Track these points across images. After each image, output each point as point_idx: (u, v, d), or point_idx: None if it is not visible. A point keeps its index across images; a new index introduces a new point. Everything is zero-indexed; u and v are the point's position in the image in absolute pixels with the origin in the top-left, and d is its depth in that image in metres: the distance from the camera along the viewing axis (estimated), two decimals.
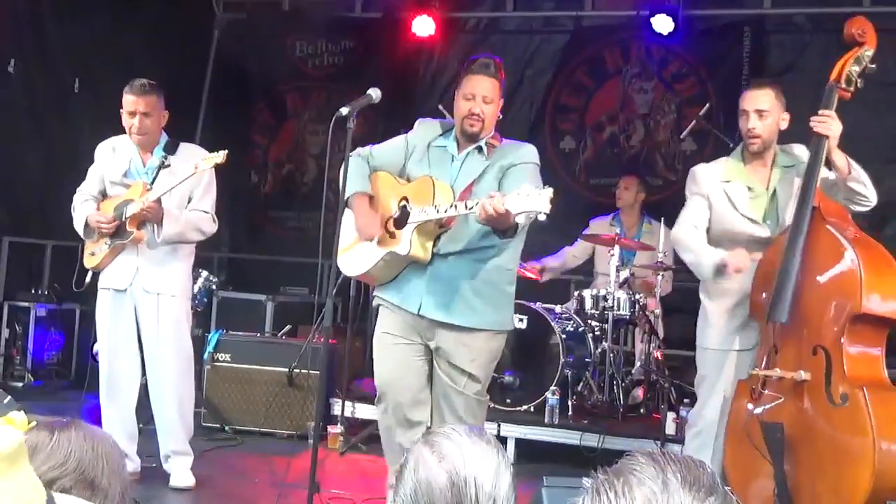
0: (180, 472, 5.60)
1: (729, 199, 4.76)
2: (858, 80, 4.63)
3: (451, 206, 4.25)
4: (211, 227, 5.60)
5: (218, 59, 10.79)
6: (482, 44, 10.04)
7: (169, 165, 5.47)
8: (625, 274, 7.53)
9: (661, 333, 7.65)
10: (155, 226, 5.40)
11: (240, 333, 7.67)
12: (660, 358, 7.51)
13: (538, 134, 9.77)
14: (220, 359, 7.36)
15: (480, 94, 4.49)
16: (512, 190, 4.09)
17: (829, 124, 4.47)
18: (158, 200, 5.32)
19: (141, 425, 5.78)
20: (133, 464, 5.55)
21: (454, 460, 1.86)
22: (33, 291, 8.71)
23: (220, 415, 7.27)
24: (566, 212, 8.85)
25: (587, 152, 9.78)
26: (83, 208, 5.58)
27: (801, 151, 4.74)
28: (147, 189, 5.37)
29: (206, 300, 8.10)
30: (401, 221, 4.45)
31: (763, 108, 4.67)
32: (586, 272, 8.40)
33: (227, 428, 7.21)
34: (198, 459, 5.80)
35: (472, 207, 4.10)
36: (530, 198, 3.80)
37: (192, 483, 5.59)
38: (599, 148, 9.74)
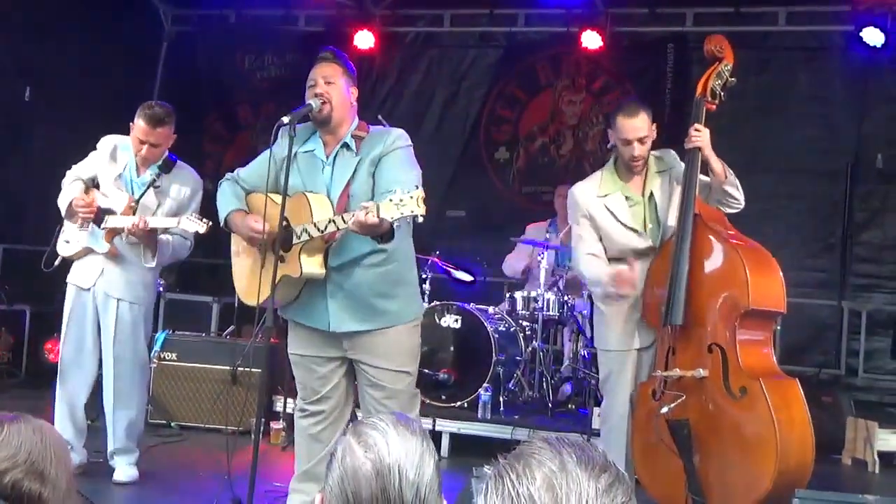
0: (124, 467, 5.73)
1: (610, 212, 4.94)
2: (721, 94, 4.90)
3: (330, 221, 4.17)
4: (186, 253, 5.75)
5: (166, 70, 10.79)
6: (420, 56, 10.35)
7: (159, 186, 5.55)
8: (555, 276, 7.77)
9: (588, 333, 7.78)
10: (144, 249, 5.50)
11: (186, 333, 7.77)
12: (587, 356, 7.68)
13: (474, 144, 10.09)
14: (167, 357, 7.47)
15: (320, 76, 4.42)
16: (387, 181, 4.19)
17: (699, 136, 4.74)
18: (153, 230, 5.40)
19: (89, 421, 5.88)
20: (79, 457, 5.64)
21: (379, 449, 1.90)
22: None
23: (166, 411, 7.39)
24: (501, 218, 9.32)
25: (520, 162, 10.02)
26: (70, 188, 5.60)
27: (673, 156, 5.00)
28: (131, 206, 5.42)
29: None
30: (286, 243, 4.32)
31: (643, 135, 4.88)
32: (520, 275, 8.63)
33: (172, 424, 7.33)
34: (143, 454, 5.90)
35: (348, 222, 4.03)
36: (403, 203, 3.78)
37: (135, 477, 5.72)
38: (531, 157, 9.99)
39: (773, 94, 8.94)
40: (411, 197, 3.77)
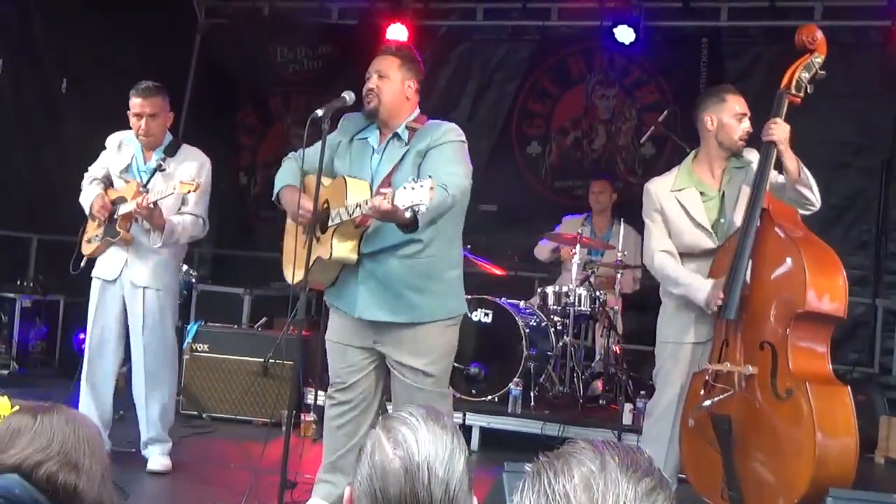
0: (157, 457, 5.76)
1: (682, 207, 4.84)
2: (808, 87, 4.71)
3: (357, 205, 4.17)
4: (202, 231, 5.76)
5: (200, 63, 10.86)
6: (452, 50, 10.36)
7: (165, 169, 5.58)
8: (587, 271, 7.75)
9: (619, 329, 7.83)
10: (152, 231, 5.55)
11: (218, 325, 7.79)
12: (618, 352, 7.72)
13: (505, 138, 10.09)
14: (199, 349, 7.51)
15: (374, 70, 4.48)
16: (430, 173, 4.11)
17: (775, 130, 4.56)
18: (157, 206, 5.43)
19: (121, 412, 5.94)
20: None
21: (409, 446, 1.86)
22: (19, 283, 8.80)
23: (198, 403, 7.43)
24: (532, 212, 9.31)
25: (552, 156, 10.02)
26: (90, 189, 5.72)
27: (752, 155, 4.82)
28: (140, 191, 5.47)
29: (185, 293, 8.27)
30: (324, 225, 4.38)
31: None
32: (552, 270, 8.66)
33: (204, 415, 7.37)
34: (175, 445, 5.94)
35: (366, 208, 4.07)
36: (413, 191, 3.80)
37: (168, 467, 5.75)
38: (564, 152, 9.98)
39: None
40: (422, 186, 3.81)
